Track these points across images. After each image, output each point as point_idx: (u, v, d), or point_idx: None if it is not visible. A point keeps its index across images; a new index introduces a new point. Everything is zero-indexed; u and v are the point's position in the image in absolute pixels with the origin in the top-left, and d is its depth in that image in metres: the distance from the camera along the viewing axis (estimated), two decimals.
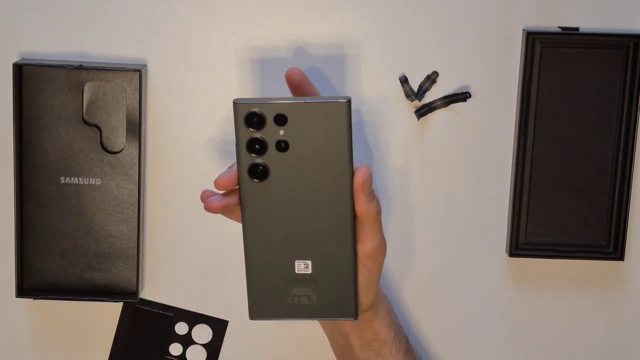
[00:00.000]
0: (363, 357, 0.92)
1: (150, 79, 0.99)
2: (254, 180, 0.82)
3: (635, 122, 0.98)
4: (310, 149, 0.81)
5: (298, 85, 0.87)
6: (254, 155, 0.81)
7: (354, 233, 0.84)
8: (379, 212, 0.85)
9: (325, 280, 0.84)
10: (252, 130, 0.81)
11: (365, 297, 0.88)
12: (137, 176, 0.98)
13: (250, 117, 0.80)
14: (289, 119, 0.81)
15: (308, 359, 1.04)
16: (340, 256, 0.84)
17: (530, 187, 1.00)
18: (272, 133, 0.81)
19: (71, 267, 0.99)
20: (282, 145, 0.81)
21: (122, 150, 0.98)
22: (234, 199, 0.84)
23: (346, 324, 0.92)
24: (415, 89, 0.99)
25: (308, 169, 0.82)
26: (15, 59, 0.98)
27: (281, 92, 0.99)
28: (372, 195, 0.84)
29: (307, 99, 0.82)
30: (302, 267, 0.84)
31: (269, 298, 0.84)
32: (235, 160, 0.83)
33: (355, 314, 0.85)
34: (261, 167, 0.81)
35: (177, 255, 1.02)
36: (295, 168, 0.82)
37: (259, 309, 0.85)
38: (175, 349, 1.03)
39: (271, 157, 0.81)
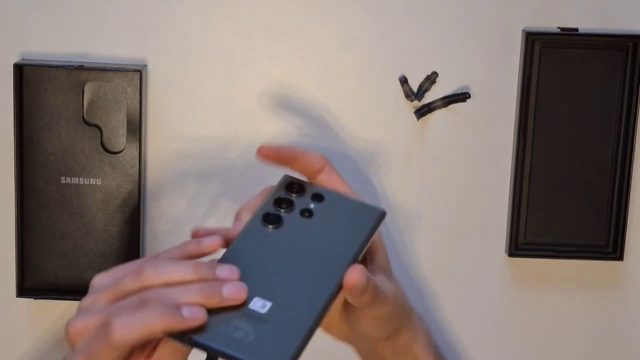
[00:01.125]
0: None
1: (151, 79, 0.99)
2: (265, 224, 0.79)
3: (635, 122, 0.98)
4: (329, 230, 0.79)
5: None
6: (278, 209, 0.80)
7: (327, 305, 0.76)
8: (372, 300, 0.78)
9: (273, 327, 0.74)
10: (287, 193, 0.80)
11: (398, 316, 0.83)
12: (137, 176, 0.98)
13: (291, 184, 0.80)
14: (325, 200, 0.80)
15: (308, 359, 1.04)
16: (304, 313, 0.75)
17: (530, 187, 1.00)
18: (303, 202, 0.80)
19: (71, 267, 0.99)
20: (306, 214, 0.79)
21: (123, 150, 0.98)
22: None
23: (385, 350, 0.85)
24: (415, 89, 0.99)
25: (316, 244, 0.79)
26: (15, 59, 0.98)
27: (281, 94, 0.99)
28: (363, 292, 0.77)
29: (350, 196, 0.81)
30: (259, 305, 0.75)
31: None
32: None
33: None
34: (278, 217, 0.79)
35: None
36: (306, 235, 0.79)
37: None
38: None
39: (291, 216, 0.79)
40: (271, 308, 0.75)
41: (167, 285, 0.73)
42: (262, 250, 0.78)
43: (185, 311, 0.71)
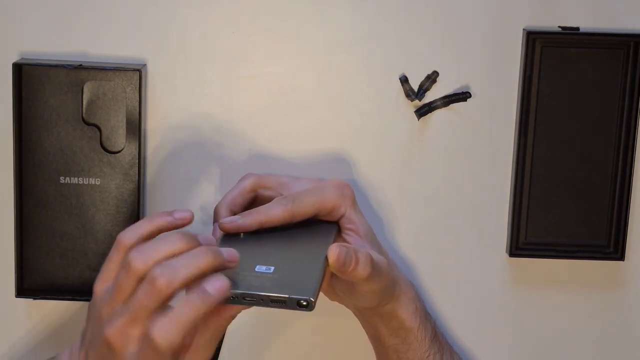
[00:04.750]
0: (391, 344, 0.94)
1: (150, 79, 0.99)
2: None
3: (635, 122, 0.98)
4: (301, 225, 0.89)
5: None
6: None
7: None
8: (370, 273, 0.84)
9: (286, 278, 0.80)
10: None
11: (387, 291, 0.90)
12: (137, 176, 0.97)
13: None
14: None
15: (308, 359, 1.04)
16: (307, 268, 0.82)
17: (530, 187, 1.00)
18: None
19: (71, 267, 0.98)
20: None
21: (122, 150, 0.98)
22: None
23: (372, 315, 0.93)
24: (416, 88, 0.99)
25: (295, 231, 0.88)
26: (15, 58, 0.97)
27: (280, 94, 0.99)
28: (354, 265, 0.83)
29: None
30: (264, 269, 0.81)
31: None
32: None
33: (312, 294, 0.79)
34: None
35: None
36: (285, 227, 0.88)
37: None
38: None
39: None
40: (275, 270, 0.81)
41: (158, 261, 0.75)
42: (251, 237, 0.85)
43: (210, 288, 0.74)
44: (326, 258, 0.82)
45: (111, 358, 0.75)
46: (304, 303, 0.77)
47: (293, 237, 0.87)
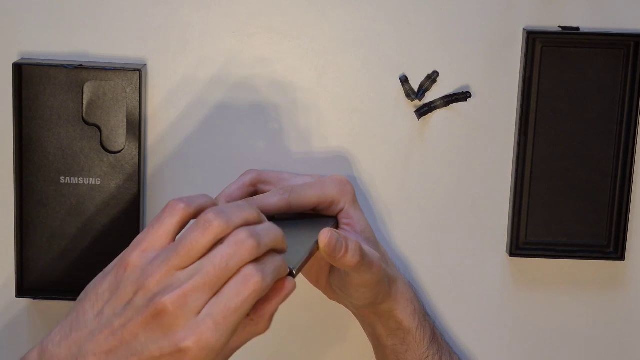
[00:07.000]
0: (390, 345, 0.94)
1: (150, 79, 0.99)
2: None
3: (635, 122, 0.98)
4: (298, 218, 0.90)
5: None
6: None
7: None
8: (359, 262, 0.84)
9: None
10: None
11: (379, 286, 0.89)
12: (137, 176, 0.97)
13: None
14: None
15: (308, 359, 1.04)
16: (297, 250, 0.81)
17: (530, 187, 1.00)
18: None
19: (71, 267, 0.98)
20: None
21: (122, 150, 0.98)
22: None
23: (369, 314, 0.93)
24: (416, 88, 0.99)
25: (292, 222, 0.89)
26: (15, 58, 0.97)
27: (281, 94, 0.99)
28: (343, 252, 0.82)
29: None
30: None
31: None
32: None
33: (294, 265, 0.76)
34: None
35: None
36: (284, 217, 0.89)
37: None
38: None
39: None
40: None
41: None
42: None
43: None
44: (316, 242, 0.81)
45: (158, 330, 0.68)
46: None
47: (288, 226, 0.86)
